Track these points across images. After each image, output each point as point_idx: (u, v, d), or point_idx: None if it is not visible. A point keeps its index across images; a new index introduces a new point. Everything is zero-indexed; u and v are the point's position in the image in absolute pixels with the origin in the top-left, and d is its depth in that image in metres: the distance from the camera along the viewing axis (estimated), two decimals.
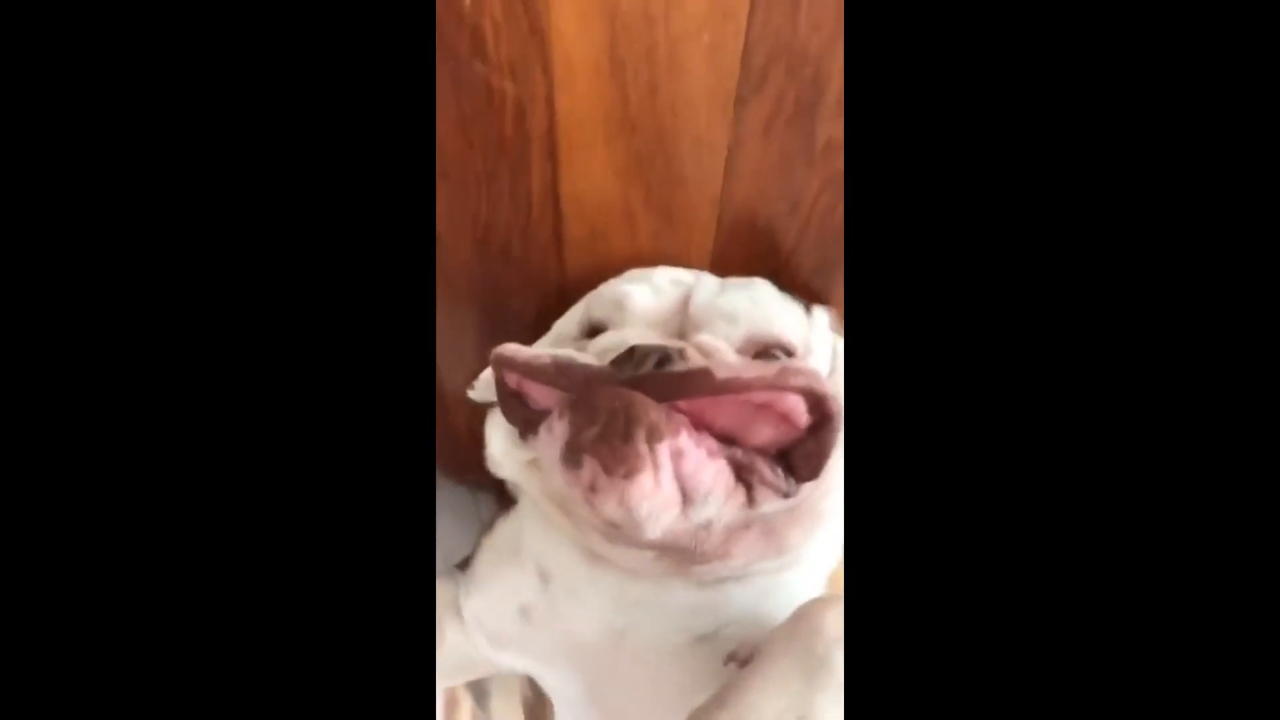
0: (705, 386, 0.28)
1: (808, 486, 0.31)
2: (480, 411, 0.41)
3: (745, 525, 0.32)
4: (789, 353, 0.33)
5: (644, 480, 0.27)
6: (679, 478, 0.28)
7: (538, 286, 0.41)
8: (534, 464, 0.38)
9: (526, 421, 0.33)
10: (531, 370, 0.30)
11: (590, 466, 0.28)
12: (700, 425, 0.29)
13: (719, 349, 0.31)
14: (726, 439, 0.29)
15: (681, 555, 0.32)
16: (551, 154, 0.35)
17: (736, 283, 0.36)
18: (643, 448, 0.27)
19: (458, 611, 0.40)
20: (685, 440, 0.28)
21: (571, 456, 0.28)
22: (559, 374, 0.29)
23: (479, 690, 0.50)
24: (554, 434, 0.29)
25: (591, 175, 0.36)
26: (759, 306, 0.33)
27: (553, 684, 0.42)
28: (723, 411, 0.29)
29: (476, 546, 0.44)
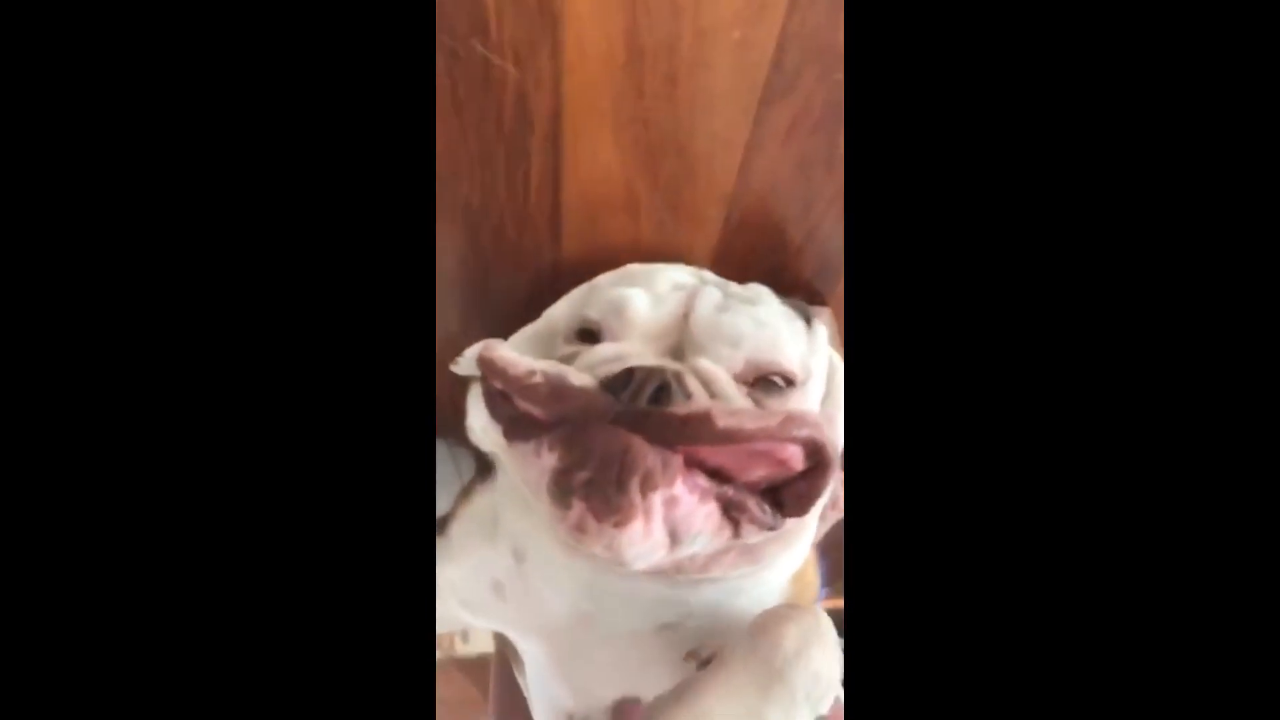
0: (705, 434, 0.27)
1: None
2: (463, 381, 0.40)
3: (727, 549, 0.32)
4: (789, 380, 0.31)
5: (634, 529, 0.27)
6: (669, 522, 0.28)
7: (531, 268, 0.39)
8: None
9: (512, 422, 0.32)
10: (523, 389, 0.29)
11: (579, 509, 0.27)
12: (693, 463, 0.28)
13: (719, 379, 0.30)
14: (719, 476, 0.29)
15: (660, 573, 0.33)
16: (554, 140, 0.32)
17: (739, 294, 0.34)
18: (636, 497, 0.26)
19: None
20: (680, 488, 0.27)
21: (560, 495, 0.28)
22: (552, 398, 0.28)
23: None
24: (541, 462, 0.28)
25: (596, 163, 0.33)
26: (762, 329, 0.31)
27: (523, 647, 0.44)
28: (719, 452, 0.28)
29: (453, 511, 0.44)
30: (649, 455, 0.27)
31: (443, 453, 0.56)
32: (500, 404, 0.32)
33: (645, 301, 0.32)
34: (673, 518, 0.28)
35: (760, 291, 0.36)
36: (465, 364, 0.41)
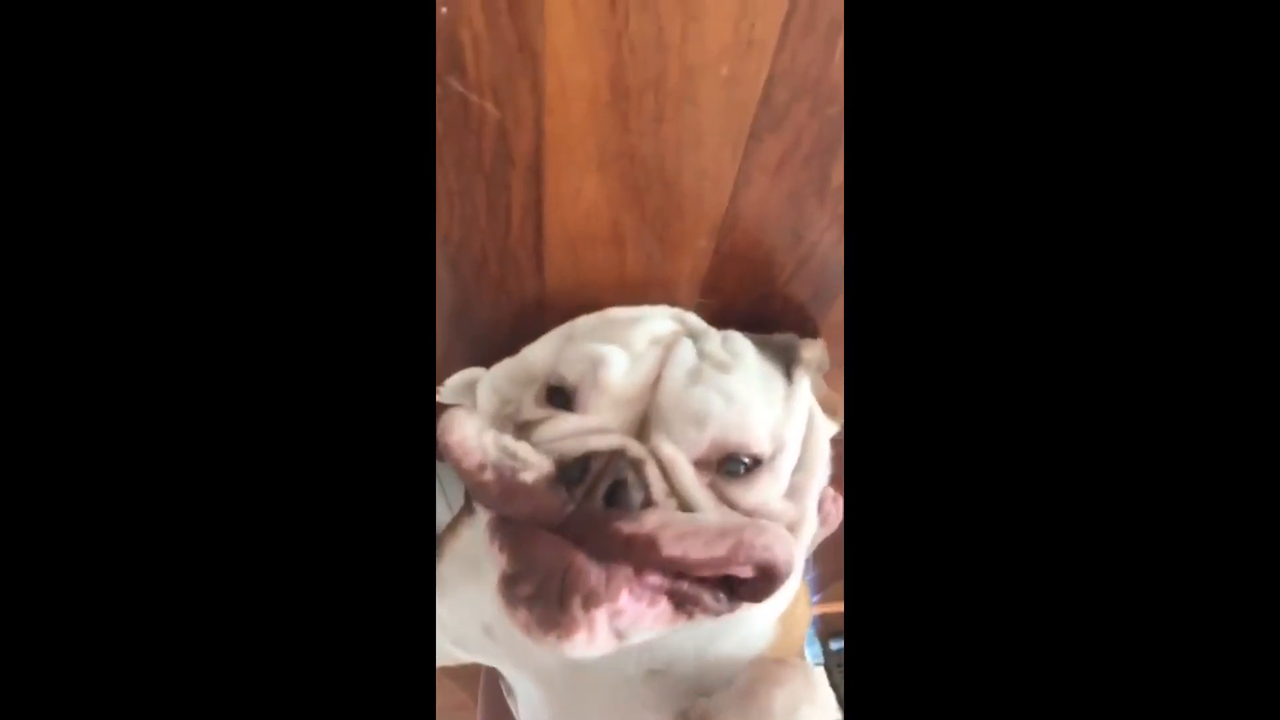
0: (649, 560, 0.27)
1: None
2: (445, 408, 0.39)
3: None
4: (756, 460, 0.31)
5: (578, 640, 0.27)
6: (614, 630, 0.27)
7: (514, 300, 0.38)
8: None
9: (471, 489, 0.31)
10: (474, 483, 0.29)
11: (525, 616, 0.27)
12: (644, 565, 0.28)
13: (679, 469, 0.29)
14: (672, 572, 0.28)
15: None
16: (536, 174, 0.31)
17: (714, 355, 0.32)
18: (578, 614, 0.26)
19: None
20: (625, 600, 0.27)
21: (508, 600, 0.28)
22: (503, 498, 0.28)
23: None
24: (493, 555, 0.29)
25: (580, 197, 0.32)
26: (731, 407, 0.30)
27: (514, 678, 0.44)
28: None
29: (440, 547, 0.43)
30: (591, 574, 0.27)
31: None
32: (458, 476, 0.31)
33: (621, 364, 0.31)
34: (618, 625, 0.27)
35: (739, 348, 0.34)
36: (448, 393, 0.40)
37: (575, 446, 0.29)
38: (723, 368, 0.32)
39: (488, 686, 0.60)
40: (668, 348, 0.32)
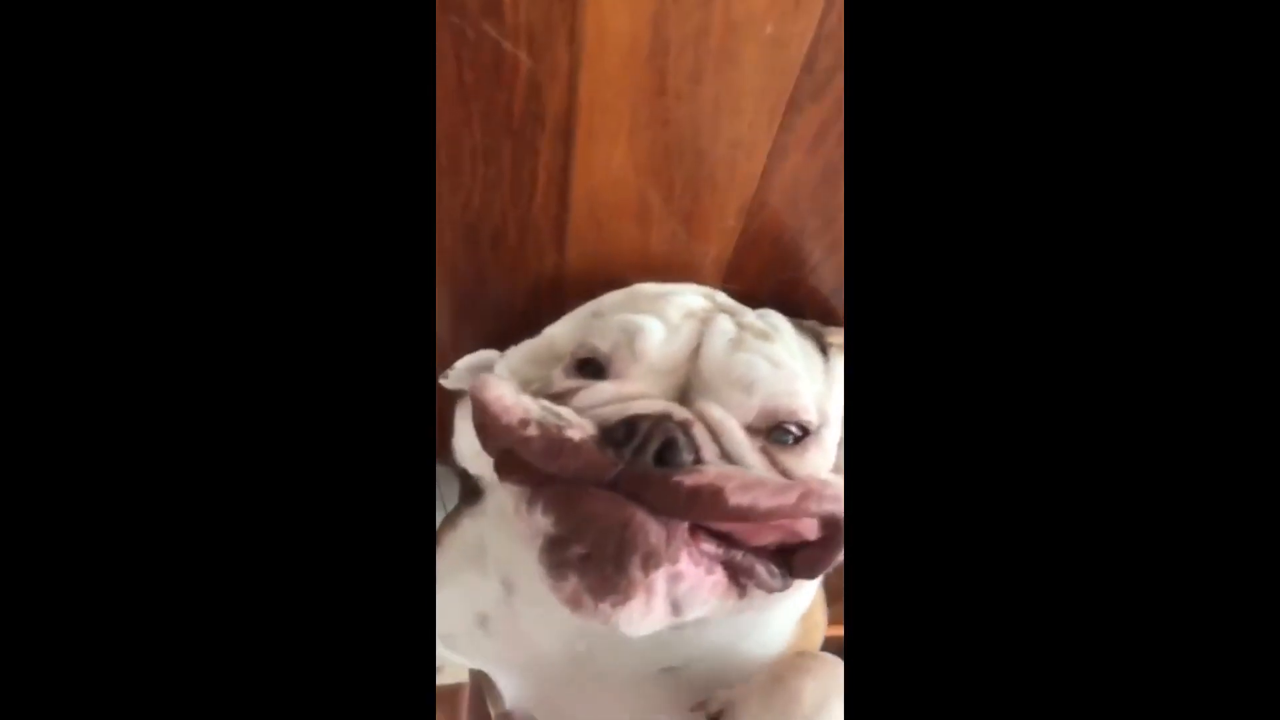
0: (715, 511, 0.24)
1: None
2: (451, 395, 0.37)
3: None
4: (805, 429, 0.29)
5: (634, 607, 0.24)
6: (671, 597, 0.25)
7: (531, 276, 0.36)
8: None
9: (504, 456, 0.29)
10: (515, 438, 0.26)
11: (574, 583, 0.25)
12: (699, 528, 0.26)
13: (730, 431, 0.27)
14: (726, 540, 0.26)
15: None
16: (565, 139, 0.29)
17: (754, 325, 0.31)
18: (637, 575, 0.24)
19: None
20: (685, 563, 0.25)
21: (554, 567, 0.25)
22: (548, 454, 0.25)
23: None
24: (534, 522, 0.26)
25: (610, 168, 0.31)
26: (779, 372, 0.28)
27: (505, 685, 0.41)
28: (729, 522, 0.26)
29: (438, 539, 0.41)
30: (652, 530, 0.24)
31: None
32: (491, 437, 0.29)
33: (659, 333, 0.29)
34: (676, 592, 0.25)
35: (776, 322, 0.33)
36: (455, 377, 0.39)
37: (617, 412, 0.27)
38: (764, 336, 0.30)
39: (473, 708, 0.58)
40: (704, 320, 0.31)
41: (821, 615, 0.40)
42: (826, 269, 0.38)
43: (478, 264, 0.35)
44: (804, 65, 0.28)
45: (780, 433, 0.28)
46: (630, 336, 0.29)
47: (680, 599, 0.25)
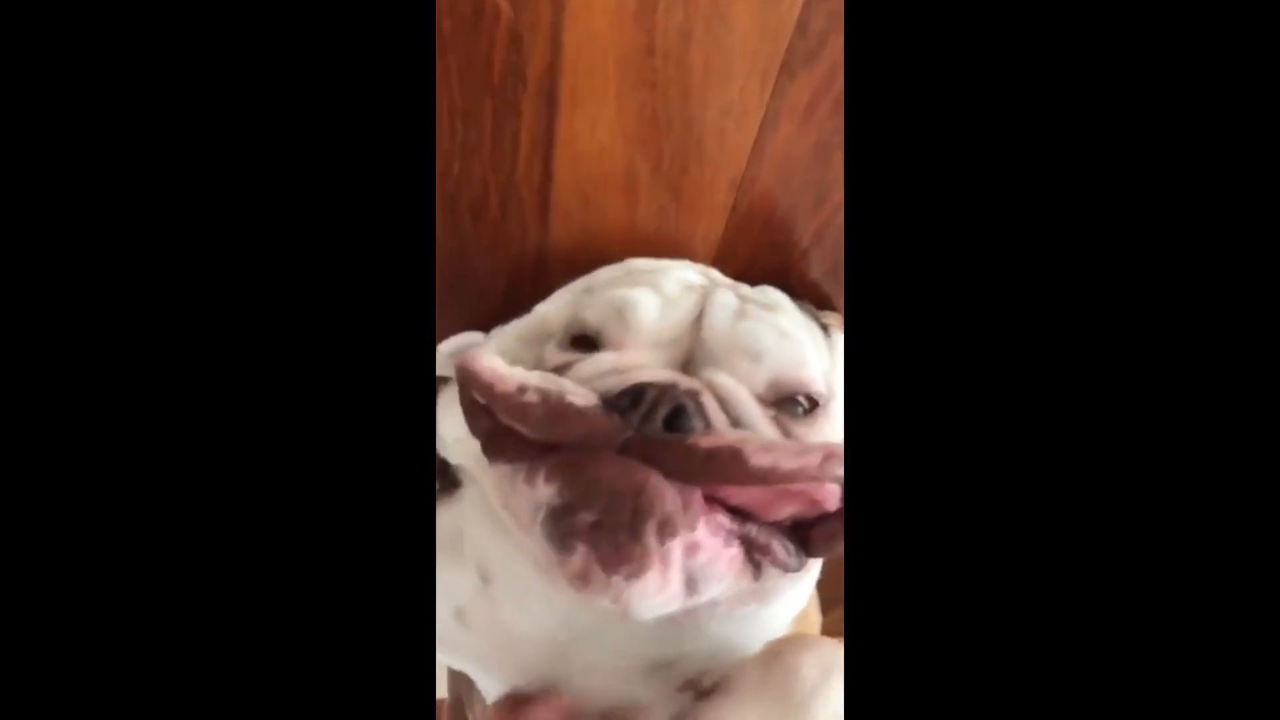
0: (735, 473, 0.23)
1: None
2: None
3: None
4: (814, 402, 0.28)
5: (649, 580, 0.22)
6: (687, 571, 0.23)
7: (514, 252, 0.35)
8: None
9: (492, 437, 0.27)
10: (513, 408, 0.24)
11: (583, 556, 0.22)
12: (714, 499, 0.24)
13: (740, 400, 0.26)
14: (740, 513, 0.25)
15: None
16: (550, 100, 0.28)
17: (756, 298, 0.30)
18: (652, 543, 0.22)
19: None
20: (702, 532, 0.23)
21: (559, 538, 0.23)
22: (549, 420, 0.24)
23: None
24: (535, 494, 0.24)
25: (596, 133, 0.30)
26: (786, 342, 0.27)
27: (485, 684, 0.39)
28: (745, 490, 0.24)
29: None
30: (668, 494, 0.22)
31: None
32: (480, 416, 0.27)
33: (654, 304, 0.28)
34: (693, 565, 0.23)
35: (777, 297, 0.32)
36: (438, 362, 0.37)
37: (618, 382, 0.25)
38: (768, 308, 0.29)
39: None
40: (704, 293, 0.29)
41: (816, 615, 0.39)
42: (818, 252, 0.37)
43: (458, 239, 0.34)
44: (796, 27, 0.27)
45: (791, 404, 0.27)
46: (622, 310, 0.28)
47: (697, 573, 0.23)
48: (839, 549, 0.26)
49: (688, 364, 0.28)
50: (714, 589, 0.24)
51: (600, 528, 0.22)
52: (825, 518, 0.25)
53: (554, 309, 0.32)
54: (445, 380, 0.34)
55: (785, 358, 0.27)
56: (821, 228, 0.36)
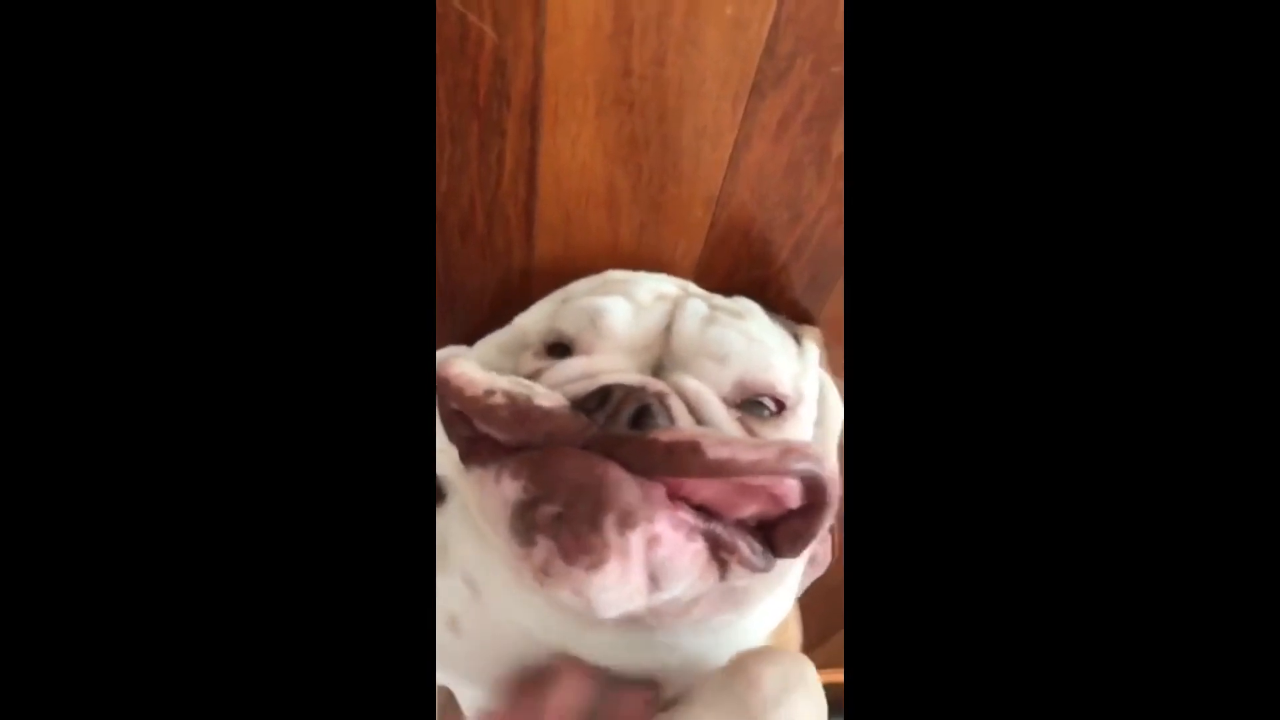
0: (694, 466, 0.23)
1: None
2: None
3: (709, 592, 0.28)
4: (781, 404, 0.28)
5: (609, 572, 0.23)
6: (649, 564, 0.24)
7: (500, 267, 0.36)
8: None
9: (469, 444, 0.28)
10: (481, 410, 0.25)
11: (545, 548, 0.23)
12: (677, 496, 0.24)
13: (706, 401, 0.27)
14: (705, 512, 0.25)
15: (634, 620, 0.29)
16: (532, 119, 0.30)
17: (726, 307, 0.31)
18: (611, 536, 0.22)
19: None
20: (663, 524, 0.23)
21: (522, 531, 0.24)
22: (515, 420, 0.24)
23: None
24: (501, 491, 0.25)
25: (577, 151, 0.31)
26: (753, 346, 0.28)
27: (468, 697, 0.39)
28: (707, 486, 0.24)
29: None
30: (628, 487, 0.23)
31: None
32: (456, 423, 0.28)
33: (625, 311, 0.29)
34: (654, 559, 0.24)
35: (748, 305, 0.33)
36: None
37: (587, 385, 0.26)
38: (737, 315, 0.30)
39: None
40: (676, 302, 0.30)
41: (796, 630, 0.39)
42: (797, 265, 0.38)
43: (447, 254, 0.35)
44: (764, 50, 0.29)
45: (756, 406, 0.28)
46: (594, 317, 0.29)
47: (658, 567, 0.24)
48: (805, 549, 0.26)
49: (658, 369, 0.28)
50: (677, 585, 0.25)
51: (561, 520, 0.23)
52: (789, 516, 0.25)
53: (532, 319, 0.33)
54: None
55: (750, 361, 0.28)
56: (798, 243, 0.37)
